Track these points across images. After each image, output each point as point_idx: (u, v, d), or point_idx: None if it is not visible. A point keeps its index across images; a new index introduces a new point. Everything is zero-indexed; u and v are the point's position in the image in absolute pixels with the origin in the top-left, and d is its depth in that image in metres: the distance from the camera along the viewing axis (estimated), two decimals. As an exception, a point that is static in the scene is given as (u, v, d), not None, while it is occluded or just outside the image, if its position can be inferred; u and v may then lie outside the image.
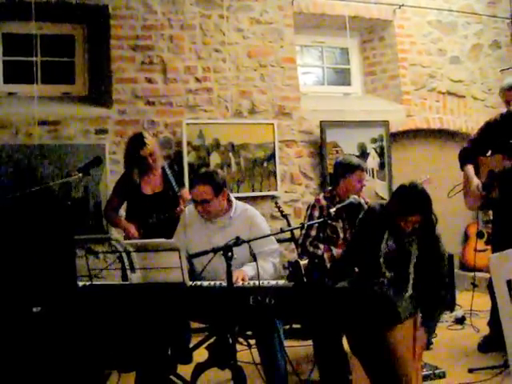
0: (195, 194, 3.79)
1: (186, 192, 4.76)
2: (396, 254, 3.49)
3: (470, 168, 4.73)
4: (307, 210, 4.47)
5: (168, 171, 4.79)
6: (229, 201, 3.92)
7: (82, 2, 5.86)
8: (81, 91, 6.13)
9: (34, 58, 5.89)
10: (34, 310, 3.18)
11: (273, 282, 3.42)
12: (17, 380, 3.13)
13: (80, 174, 4.11)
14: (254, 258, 3.33)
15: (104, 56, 5.97)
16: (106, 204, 5.03)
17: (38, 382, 3.17)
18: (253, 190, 6.12)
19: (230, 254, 3.11)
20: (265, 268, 3.69)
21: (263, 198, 6.17)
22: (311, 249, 4.30)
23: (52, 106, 5.80)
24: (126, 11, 5.95)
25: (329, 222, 4.11)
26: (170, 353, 3.76)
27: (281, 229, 3.56)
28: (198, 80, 6.12)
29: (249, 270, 3.65)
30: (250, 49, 6.36)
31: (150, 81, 5.97)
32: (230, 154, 6.06)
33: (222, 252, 3.12)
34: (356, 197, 3.92)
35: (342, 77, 7.39)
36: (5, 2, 5.67)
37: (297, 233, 4.61)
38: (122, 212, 4.96)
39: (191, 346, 3.94)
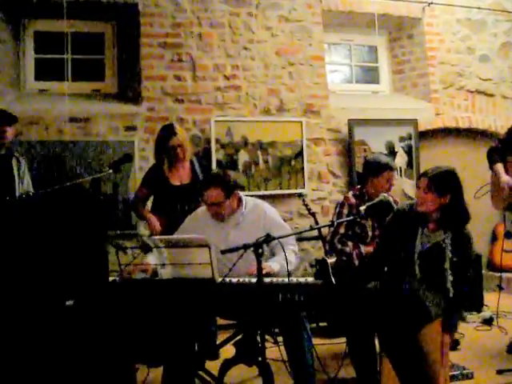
0: (208, 196, 3.81)
1: None
2: (430, 252, 3.48)
3: (500, 166, 4.68)
4: (336, 208, 4.47)
5: (196, 164, 4.84)
6: (239, 199, 3.96)
7: (113, 0, 5.91)
8: (110, 88, 6.19)
9: (65, 56, 5.98)
10: (67, 303, 3.23)
11: (302, 279, 3.42)
12: (49, 372, 3.18)
13: (110, 171, 4.15)
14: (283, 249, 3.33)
15: (133, 53, 6.02)
16: (134, 195, 5.08)
17: (69, 374, 3.21)
18: (280, 188, 6.12)
19: (260, 250, 3.13)
20: (289, 260, 3.69)
21: (290, 195, 6.17)
22: (339, 246, 4.30)
23: (82, 103, 5.86)
24: (155, 9, 5.99)
25: (358, 220, 4.10)
26: (197, 348, 3.78)
27: (310, 226, 3.55)
28: (226, 78, 6.14)
29: (274, 266, 3.66)
30: (278, 47, 6.37)
31: (179, 78, 6.01)
32: (258, 152, 6.07)
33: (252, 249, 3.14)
34: (386, 195, 3.91)
35: (370, 75, 7.36)
36: (37, 1, 5.74)
37: (324, 231, 4.60)
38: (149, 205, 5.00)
39: (218, 342, 3.96)
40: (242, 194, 4.02)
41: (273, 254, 3.86)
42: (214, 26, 6.16)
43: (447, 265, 3.43)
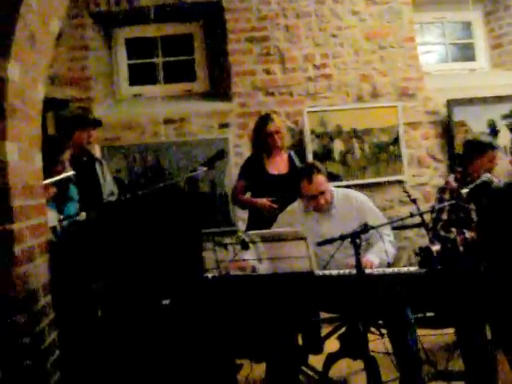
0: (315, 186, 3.76)
1: None
2: None
3: None
4: (437, 193, 4.31)
5: (294, 156, 4.83)
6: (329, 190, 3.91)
7: (197, 0, 5.96)
8: (202, 88, 6.25)
9: (156, 60, 6.09)
10: (164, 302, 3.27)
11: (404, 269, 3.31)
12: (148, 371, 3.23)
13: (205, 168, 4.18)
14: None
15: (222, 50, 6.05)
16: (232, 190, 5.09)
17: (169, 373, 3.25)
18: (378, 176, 5.98)
19: (357, 240, 3.04)
20: (387, 250, 3.59)
21: (389, 183, 6.00)
22: (443, 233, 4.13)
23: (175, 105, 5.96)
24: (240, 4, 5.98)
25: (461, 203, 3.93)
26: (300, 343, 3.73)
27: (410, 213, 3.44)
28: (316, 67, 6.05)
29: (373, 257, 3.56)
30: (367, 31, 6.20)
31: (268, 72, 5.98)
32: (354, 140, 5.95)
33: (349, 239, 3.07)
34: (489, 175, 3.71)
35: (465, 52, 7.04)
36: (127, 8, 5.88)
37: (427, 218, 4.43)
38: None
39: (322, 335, 3.90)
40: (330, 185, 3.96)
41: (369, 244, 3.75)
42: (301, 16, 6.07)
43: None
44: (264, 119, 4.81)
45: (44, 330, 3.05)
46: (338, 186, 4.39)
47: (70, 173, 3.89)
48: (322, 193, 3.77)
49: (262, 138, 4.76)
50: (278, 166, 4.79)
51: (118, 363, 3.28)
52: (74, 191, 4.17)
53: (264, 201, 4.63)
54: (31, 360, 2.79)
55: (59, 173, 3.76)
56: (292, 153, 4.89)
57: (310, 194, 3.81)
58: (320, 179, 3.77)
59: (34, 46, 3.01)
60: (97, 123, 4.69)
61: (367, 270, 3.33)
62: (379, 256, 3.53)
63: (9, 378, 2.55)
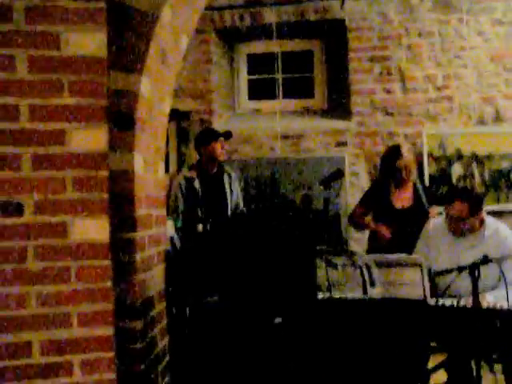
0: (451, 209, 3.64)
1: (434, 209, 4.67)
2: None
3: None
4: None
5: (419, 186, 4.78)
6: (481, 220, 3.72)
7: (320, 17, 6.01)
8: (320, 104, 6.29)
9: (276, 75, 6.18)
10: (276, 321, 3.29)
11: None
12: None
13: (321, 187, 4.20)
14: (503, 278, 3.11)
15: (342, 69, 6.06)
16: (351, 211, 5.08)
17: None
18: (498, 203, 5.76)
19: (476, 273, 2.95)
20: (509, 298, 3.43)
21: (510, 212, 5.77)
22: None
23: (293, 120, 6.03)
24: (362, 23, 5.99)
25: None
26: (406, 372, 3.65)
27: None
28: (437, 88, 5.94)
29: (491, 297, 3.42)
30: (492, 52, 6.02)
31: (388, 91, 5.93)
32: (473, 165, 5.78)
33: (468, 271, 2.97)
34: None
35: None
36: (250, 25, 6.02)
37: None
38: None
39: (430, 366, 3.79)
40: (486, 215, 3.81)
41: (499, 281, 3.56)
42: (423, 35, 6.00)
43: None
44: (394, 152, 4.74)
45: (156, 336, 3.14)
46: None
47: None
48: (459, 219, 3.65)
49: (390, 171, 4.72)
50: (403, 199, 4.75)
51: (223, 376, 3.33)
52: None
53: (385, 231, 4.65)
54: (144, 365, 2.88)
55: None
56: (418, 182, 4.85)
57: (448, 214, 3.71)
58: (459, 207, 3.62)
59: (165, 63, 3.13)
60: (228, 135, 4.86)
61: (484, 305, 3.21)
62: (498, 298, 3.37)
63: (122, 381, 2.65)
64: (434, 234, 3.86)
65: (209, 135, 4.89)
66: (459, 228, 3.66)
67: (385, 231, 4.65)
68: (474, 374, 3.04)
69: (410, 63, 5.97)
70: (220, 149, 4.83)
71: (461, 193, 3.72)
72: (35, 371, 2.34)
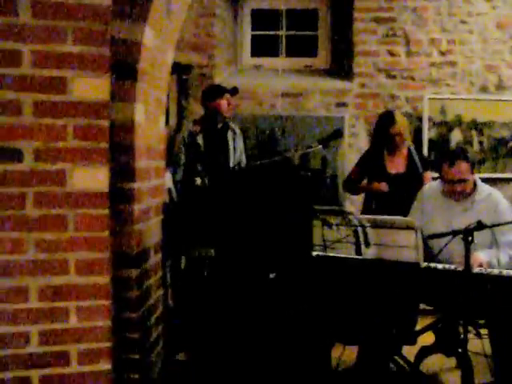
0: (455, 171, 3.61)
1: (428, 175, 4.70)
2: None
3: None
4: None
5: (414, 152, 4.78)
6: (473, 182, 3.74)
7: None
8: (323, 64, 6.24)
9: (280, 32, 6.12)
10: (270, 276, 3.34)
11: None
12: (248, 340, 3.31)
13: (320, 146, 4.20)
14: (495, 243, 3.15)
15: (346, 29, 6.00)
16: (346, 176, 5.11)
17: (267, 343, 3.33)
18: (495, 172, 5.78)
19: (470, 238, 2.98)
20: (499, 259, 3.48)
21: (507, 180, 5.80)
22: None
23: (295, 79, 5.99)
24: (368, -17, 5.90)
25: None
26: (395, 332, 3.71)
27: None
28: (441, 53, 5.90)
29: (483, 255, 3.46)
30: (499, 19, 5.95)
31: (391, 54, 5.88)
32: (473, 132, 5.78)
33: (461, 235, 3.01)
34: None
35: None
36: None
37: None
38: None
39: (418, 327, 3.86)
40: (478, 178, 3.82)
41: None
42: (430, -2, 5.91)
43: None
44: (387, 119, 4.74)
45: (151, 287, 3.19)
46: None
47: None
48: (461, 181, 3.65)
49: (384, 138, 4.73)
50: (397, 164, 4.77)
51: (218, 329, 3.39)
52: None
53: (382, 185, 4.68)
54: (138, 313, 2.93)
55: None
56: (412, 148, 4.83)
57: (448, 178, 3.69)
58: (463, 167, 3.61)
59: (169, 13, 3.11)
60: (234, 91, 4.87)
61: (476, 269, 3.25)
62: (490, 257, 3.42)
63: (117, 328, 2.70)
64: (428, 198, 3.88)
65: (215, 91, 4.89)
66: (463, 190, 3.66)
67: (381, 185, 4.67)
68: (461, 337, 3.10)
69: (415, 26, 5.90)
70: (226, 105, 4.84)
71: (461, 153, 3.73)
72: (31, 316, 2.38)
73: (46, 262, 2.38)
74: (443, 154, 3.89)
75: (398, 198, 4.50)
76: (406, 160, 4.78)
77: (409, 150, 4.81)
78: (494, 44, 5.94)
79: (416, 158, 4.75)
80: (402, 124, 4.71)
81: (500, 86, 5.91)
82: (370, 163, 4.82)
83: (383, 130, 4.72)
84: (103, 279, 2.46)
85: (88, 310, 2.44)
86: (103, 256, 2.46)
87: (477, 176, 3.81)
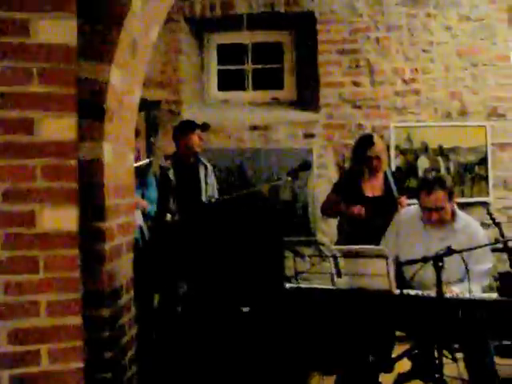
0: (432, 200, 3.64)
1: (404, 199, 4.68)
2: None
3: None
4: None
5: (390, 176, 4.79)
6: (452, 211, 3.76)
7: (290, 10, 6.02)
8: (289, 96, 6.29)
9: (246, 66, 6.19)
10: (243, 309, 3.32)
11: (485, 295, 3.26)
12: (224, 374, 3.29)
13: (289, 178, 4.23)
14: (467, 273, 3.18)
15: (311, 61, 6.07)
16: (324, 201, 5.04)
17: (243, 377, 3.31)
18: (462, 196, 5.86)
19: (440, 264, 3.01)
20: (472, 290, 3.50)
21: (473, 204, 5.88)
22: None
23: (262, 112, 6.04)
24: (331, 15, 6.00)
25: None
26: (371, 360, 3.72)
27: (495, 239, 3.37)
28: (405, 82, 6.00)
29: (456, 288, 3.49)
30: (459, 47, 6.08)
31: (356, 84, 5.97)
32: (439, 158, 5.87)
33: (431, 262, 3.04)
34: None
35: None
36: (220, 15, 6.01)
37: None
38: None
39: (394, 355, 3.86)
40: (456, 207, 3.84)
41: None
42: (392, 29, 6.03)
43: None
44: (366, 141, 4.75)
45: (124, 325, 3.15)
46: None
47: (147, 160, 4.08)
48: (438, 209, 3.68)
49: (362, 160, 4.74)
50: (374, 188, 4.78)
51: (192, 362, 3.36)
52: (152, 178, 4.46)
53: (356, 208, 4.64)
54: (112, 353, 2.89)
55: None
56: (388, 171, 4.85)
57: (426, 205, 3.70)
58: (440, 195, 3.62)
59: (135, 53, 3.13)
60: (206, 127, 4.90)
61: (447, 294, 3.28)
62: (462, 289, 3.43)
63: (91, 369, 2.66)
64: (405, 223, 3.90)
65: (186, 127, 4.92)
66: (440, 218, 3.69)
67: (359, 209, 4.63)
68: (437, 362, 3.11)
69: (379, 56, 6.01)
70: (198, 140, 4.87)
71: (439, 181, 3.76)
72: (2, 360, 2.33)
73: (15, 305, 2.35)
74: (421, 182, 3.92)
75: (373, 221, 4.51)
76: (382, 184, 4.79)
77: (385, 173, 4.81)
78: (455, 71, 6.06)
79: (392, 181, 4.76)
80: (380, 147, 4.74)
81: (463, 112, 6.01)
82: (347, 186, 4.80)
83: (362, 153, 4.72)
84: (75, 320, 2.43)
85: (60, 352, 2.40)
86: (74, 296, 2.43)
87: (455, 205, 3.82)
